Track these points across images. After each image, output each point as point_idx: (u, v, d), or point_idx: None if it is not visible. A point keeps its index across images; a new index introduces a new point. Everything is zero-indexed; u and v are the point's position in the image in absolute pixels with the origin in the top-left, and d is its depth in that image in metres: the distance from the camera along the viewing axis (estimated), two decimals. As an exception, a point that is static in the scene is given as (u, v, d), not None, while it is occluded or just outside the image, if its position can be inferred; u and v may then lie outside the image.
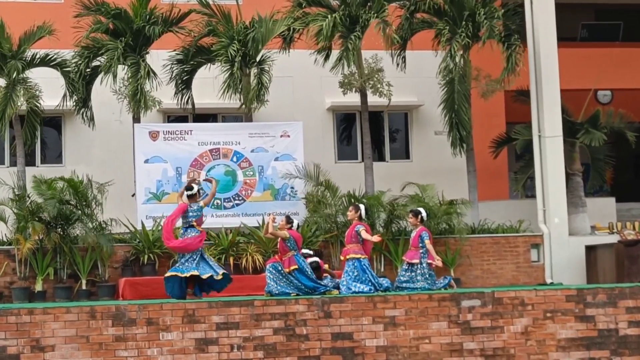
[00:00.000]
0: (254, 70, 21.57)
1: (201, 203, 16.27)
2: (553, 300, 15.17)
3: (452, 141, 21.82)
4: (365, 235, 16.41)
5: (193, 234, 16.06)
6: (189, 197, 16.24)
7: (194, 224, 16.11)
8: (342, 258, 16.87)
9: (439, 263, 17.00)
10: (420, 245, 16.97)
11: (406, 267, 17.04)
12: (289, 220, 16.75)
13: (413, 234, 17.16)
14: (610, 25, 27.87)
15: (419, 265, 16.90)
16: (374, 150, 23.70)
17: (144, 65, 20.93)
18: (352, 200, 20.63)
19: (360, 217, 16.74)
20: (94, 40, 21.29)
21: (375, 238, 16.63)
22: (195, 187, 16.39)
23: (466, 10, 21.65)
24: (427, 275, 16.92)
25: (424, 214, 17.31)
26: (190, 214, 16.06)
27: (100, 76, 21.67)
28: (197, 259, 16.08)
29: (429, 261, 16.90)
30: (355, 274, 16.42)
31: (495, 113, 24.67)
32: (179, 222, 16.50)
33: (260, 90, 21.04)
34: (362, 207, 16.91)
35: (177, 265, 16.02)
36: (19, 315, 13.79)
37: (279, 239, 16.70)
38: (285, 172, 21.01)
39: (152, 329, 14.06)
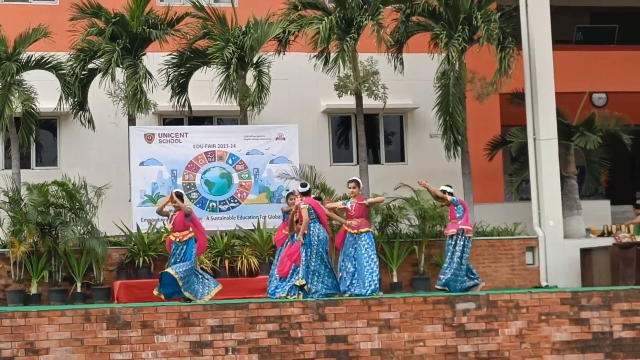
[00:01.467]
0: (251, 73, 21.60)
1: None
2: (548, 303, 15.21)
3: (446, 144, 21.84)
4: (375, 199, 17.95)
5: None
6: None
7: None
8: (354, 232, 16.88)
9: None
10: (458, 216, 17.68)
11: (448, 241, 17.78)
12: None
13: (449, 210, 18.15)
14: (605, 28, 27.91)
15: (458, 237, 17.54)
16: (369, 153, 23.69)
17: (142, 66, 20.95)
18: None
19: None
20: (89, 43, 21.29)
21: (380, 198, 18.19)
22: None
23: (461, 13, 21.67)
24: (465, 247, 17.55)
25: (449, 189, 17.97)
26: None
27: (96, 79, 21.71)
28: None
29: (467, 227, 17.62)
30: (373, 245, 16.83)
31: (490, 116, 24.70)
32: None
33: (261, 91, 21.07)
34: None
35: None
36: (13, 318, 13.81)
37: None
38: (282, 173, 20.99)
39: (146, 332, 14.08)
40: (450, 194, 17.87)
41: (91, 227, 19.51)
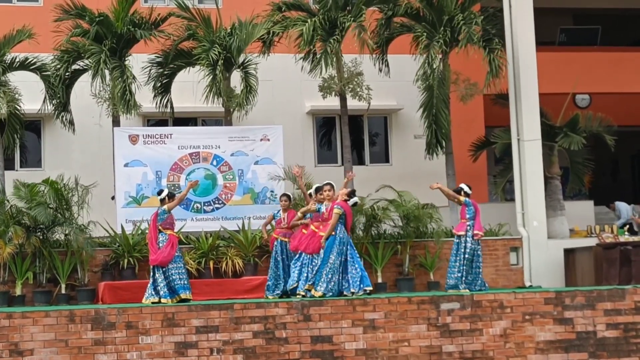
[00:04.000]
0: (238, 74, 21.59)
1: (165, 207, 16.65)
2: (532, 303, 15.27)
3: (430, 145, 21.88)
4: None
5: (161, 239, 16.63)
6: (160, 201, 16.75)
7: (160, 228, 16.63)
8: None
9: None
10: (468, 217, 17.56)
11: (456, 240, 17.70)
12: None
13: (460, 208, 18.04)
14: (588, 29, 28.05)
15: (464, 238, 17.43)
16: (353, 154, 23.72)
17: (128, 67, 20.93)
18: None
19: None
20: (73, 44, 21.25)
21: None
22: (165, 191, 16.88)
23: (445, 14, 21.71)
24: (475, 251, 17.40)
25: (465, 188, 17.89)
26: (159, 217, 16.55)
27: (80, 80, 21.68)
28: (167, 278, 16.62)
29: (476, 231, 17.41)
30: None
31: (474, 117, 24.78)
32: None
33: (248, 92, 21.07)
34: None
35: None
36: (-3, 319, 13.78)
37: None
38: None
39: (131, 333, 14.08)
40: (467, 194, 17.78)
41: (84, 227, 19.51)
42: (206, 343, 14.24)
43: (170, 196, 17.03)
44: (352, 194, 16.91)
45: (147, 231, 19.56)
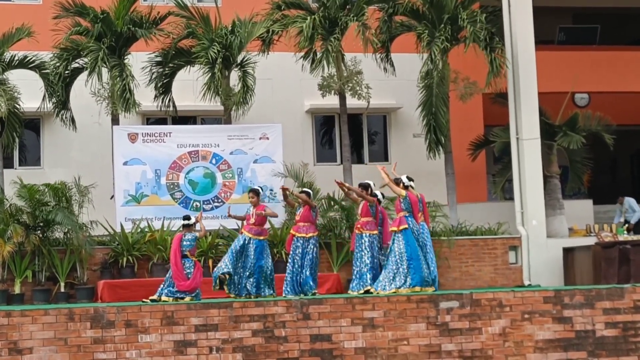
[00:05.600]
0: (237, 73, 21.60)
1: (196, 234, 16.56)
2: (531, 301, 15.23)
3: (429, 144, 21.88)
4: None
5: (187, 265, 16.47)
6: (184, 226, 16.54)
7: (187, 253, 16.50)
8: (396, 229, 16.70)
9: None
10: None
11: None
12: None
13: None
14: (587, 28, 28.06)
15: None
16: (352, 153, 23.72)
17: (128, 65, 20.92)
18: (332, 202, 20.74)
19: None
20: (72, 42, 21.26)
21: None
22: (193, 218, 16.68)
23: (445, 13, 21.71)
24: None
25: (379, 195, 17.49)
26: (185, 243, 16.42)
27: (79, 78, 21.67)
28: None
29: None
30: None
31: (473, 116, 24.77)
32: None
33: (245, 92, 21.07)
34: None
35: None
36: (-4, 317, 13.76)
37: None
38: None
39: (130, 331, 14.04)
40: (377, 197, 17.41)
41: (84, 227, 19.52)
42: (205, 342, 14.21)
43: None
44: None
45: (146, 229, 19.68)
